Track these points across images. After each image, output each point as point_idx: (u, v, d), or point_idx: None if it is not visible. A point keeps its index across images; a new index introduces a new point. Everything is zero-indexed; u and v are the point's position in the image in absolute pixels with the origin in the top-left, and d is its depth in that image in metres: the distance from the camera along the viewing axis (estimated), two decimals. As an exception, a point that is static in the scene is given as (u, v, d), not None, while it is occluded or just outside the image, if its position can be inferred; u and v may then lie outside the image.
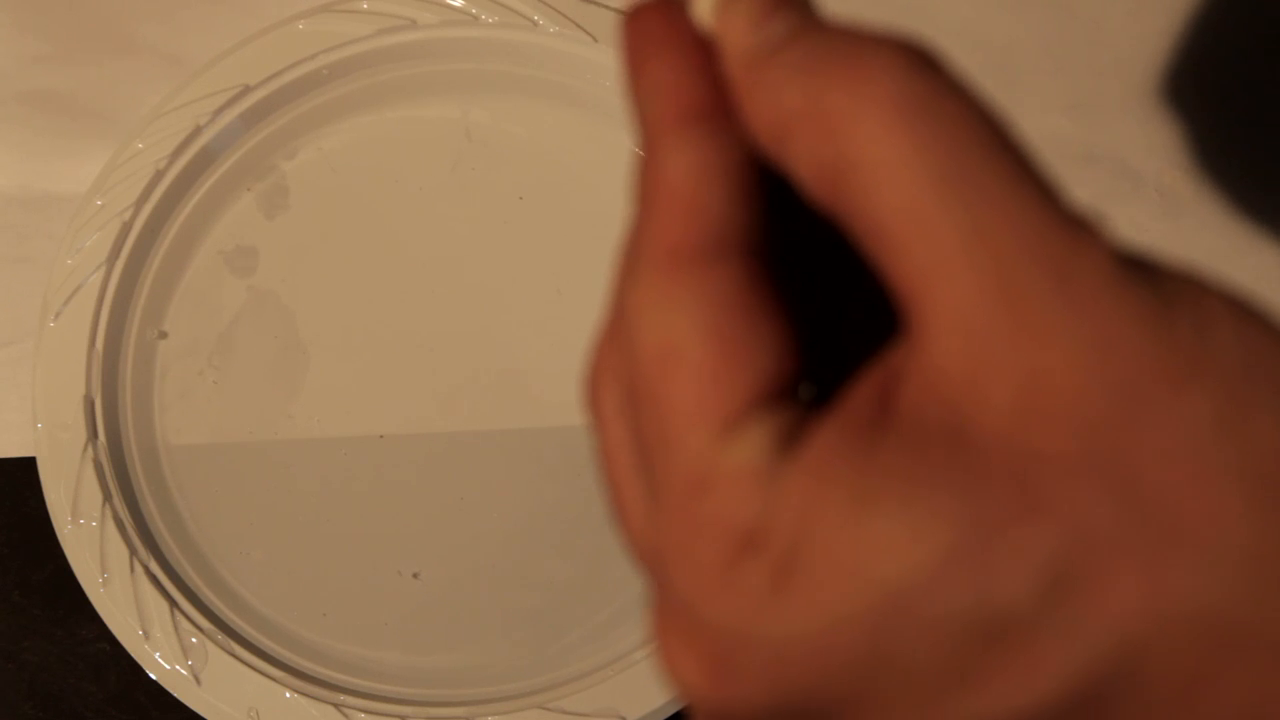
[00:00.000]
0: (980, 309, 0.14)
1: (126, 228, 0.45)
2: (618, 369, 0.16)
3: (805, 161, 0.15)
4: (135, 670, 0.42)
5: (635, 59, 0.17)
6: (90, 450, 0.43)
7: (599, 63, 0.46)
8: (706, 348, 0.15)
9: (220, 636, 0.42)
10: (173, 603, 0.42)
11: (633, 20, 0.17)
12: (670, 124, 0.16)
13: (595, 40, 0.45)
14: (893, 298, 0.15)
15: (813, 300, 0.17)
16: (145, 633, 0.41)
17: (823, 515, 0.14)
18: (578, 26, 0.46)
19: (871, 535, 0.13)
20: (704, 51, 0.17)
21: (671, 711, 0.40)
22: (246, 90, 0.45)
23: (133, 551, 0.42)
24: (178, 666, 0.41)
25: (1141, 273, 0.14)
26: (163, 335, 0.46)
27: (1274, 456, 0.13)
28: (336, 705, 0.41)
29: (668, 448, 0.15)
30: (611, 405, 0.16)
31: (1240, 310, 0.14)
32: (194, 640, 0.41)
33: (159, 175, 0.45)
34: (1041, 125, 0.49)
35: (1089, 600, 0.13)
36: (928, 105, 0.14)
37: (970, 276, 0.14)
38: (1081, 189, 0.48)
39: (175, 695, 0.41)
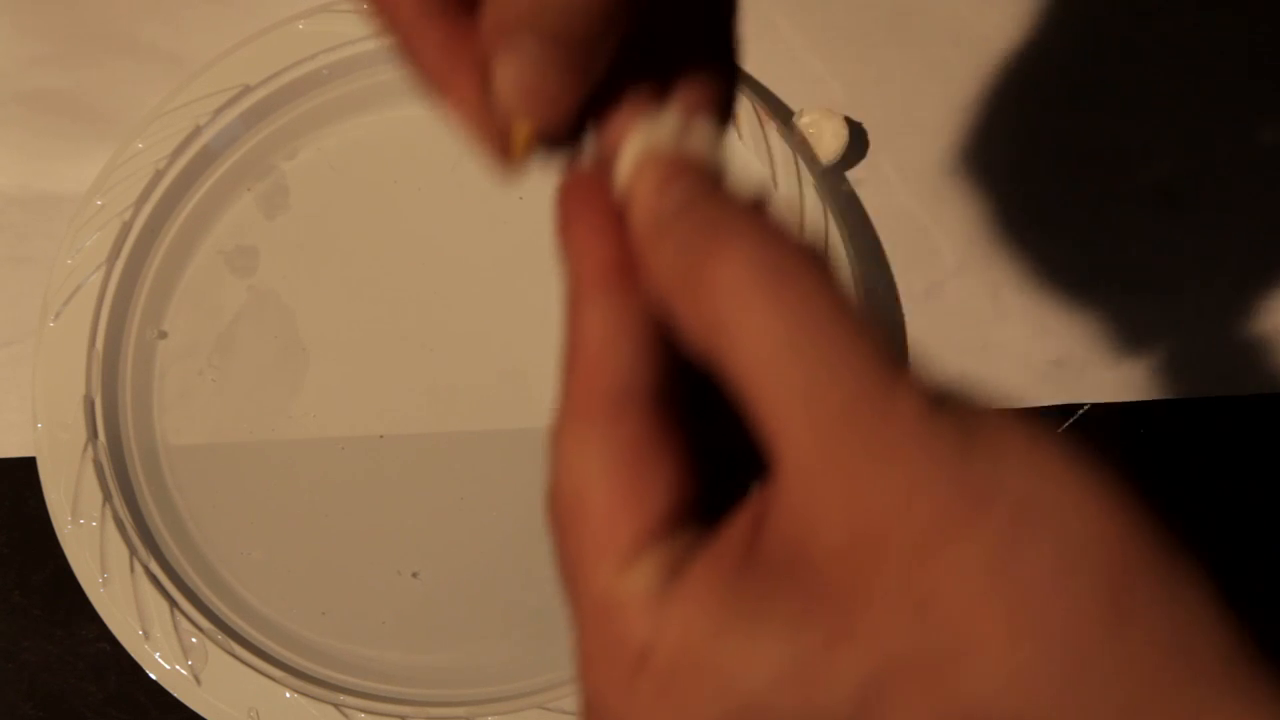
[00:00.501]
0: (815, 460, 0.16)
1: (126, 228, 0.45)
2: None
3: (686, 321, 0.18)
4: (135, 670, 0.42)
5: (563, 222, 0.20)
6: (90, 450, 0.43)
7: (599, 63, 0.46)
8: (607, 493, 0.18)
9: (220, 636, 0.42)
10: (173, 603, 0.42)
11: (564, 188, 0.20)
12: (587, 285, 0.19)
13: (595, 40, 0.45)
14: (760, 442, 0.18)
15: (718, 429, 0.19)
16: (145, 633, 0.41)
17: (694, 639, 0.17)
18: (578, 26, 0.46)
19: (727, 657, 0.17)
20: (621, 219, 0.19)
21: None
22: (246, 90, 0.45)
23: (133, 551, 0.42)
24: (178, 666, 0.41)
25: (948, 415, 0.16)
26: (163, 335, 0.46)
27: (1037, 588, 0.15)
28: (336, 705, 0.41)
29: (579, 575, 0.18)
30: (554, 524, 0.20)
31: (1032, 447, 0.16)
32: (194, 640, 0.41)
33: (159, 175, 0.45)
34: (1041, 125, 0.49)
35: (892, 713, 0.16)
36: (779, 279, 0.17)
37: (807, 431, 0.16)
38: (1081, 188, 0.48)
39: (175, 695, 0.41)
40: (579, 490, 0.19)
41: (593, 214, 0.20)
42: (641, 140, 0.20)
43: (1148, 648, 0.15)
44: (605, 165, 0.20)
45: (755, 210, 0.18)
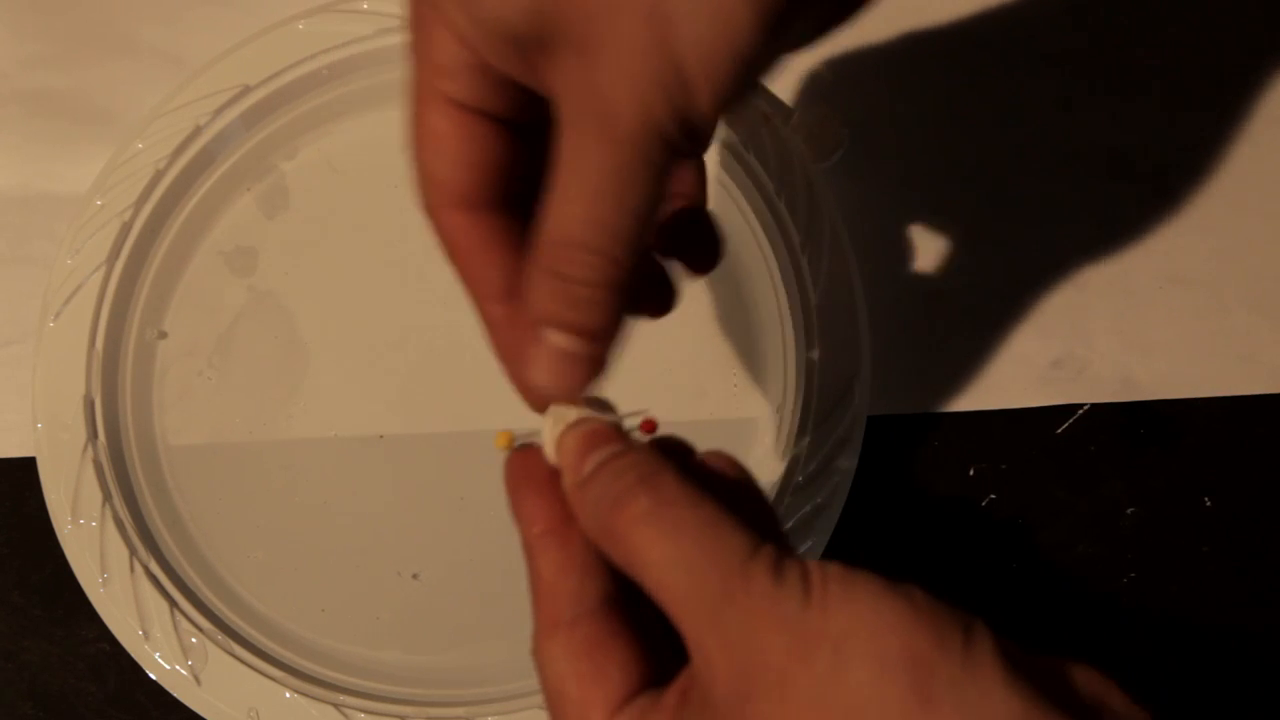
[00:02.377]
0: (704, 645, 0.22)
1: (126, 228, 0.45)
2: None
3: (609, 555, 0.24)
4: (135, 670, 0.42)
5: (510, 493, 0.27)
6: (90, 450, 0.43)
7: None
8: (576, 685, 0.24)
9: (220, 636, 0.42)
10: (173, 603, 0.42)
11: (508, 464, 0.27)
12: (533, 537, 0.26)
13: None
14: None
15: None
16: (145, 633, 0.41)
17: None
18: (578, 26, 0.45)
19: None
20: (554, 480, 0.26)
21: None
22: (246, 90, 0.45)
23: (133, 551, 0.42)
24: (178, 666, 0.41)
25: (789, 580, 0.22)
26: (163, 335, 0.46)
27: (858, 698, 0.21)
28: (336, 705, 0.41)
29: None
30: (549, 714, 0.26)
31: (848, 595, 0.22)
32: (194, 640, 0.41)
33: (159, 175, 0.45)
34: (1041, 124, 0.49)
35: None
36: (661, 523, 0.23)
37: (697, 619, 0.22)
38: (1080, 188, 0.48)
39: (175, 695, 0.41)
40: (557, 687, 0.25)
41: (531, 486, 0.26)
42: (553, 419, 0.27)
43: (954, 714, 0.21)
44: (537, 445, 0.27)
45: (650, 460, 0.24)
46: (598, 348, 0.26)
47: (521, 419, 0.48)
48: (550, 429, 0.27)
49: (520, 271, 0.27)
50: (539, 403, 0.27)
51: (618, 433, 0.26)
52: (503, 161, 0.27)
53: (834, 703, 0.21)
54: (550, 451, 0.27)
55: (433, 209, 0.28)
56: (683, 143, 0.24)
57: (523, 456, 0.27)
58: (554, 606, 0.25)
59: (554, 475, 0.26)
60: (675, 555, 0.23)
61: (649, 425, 0.28)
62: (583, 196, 0.24)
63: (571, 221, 0.25)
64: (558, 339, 0.26)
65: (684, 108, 0.23)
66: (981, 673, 0.21)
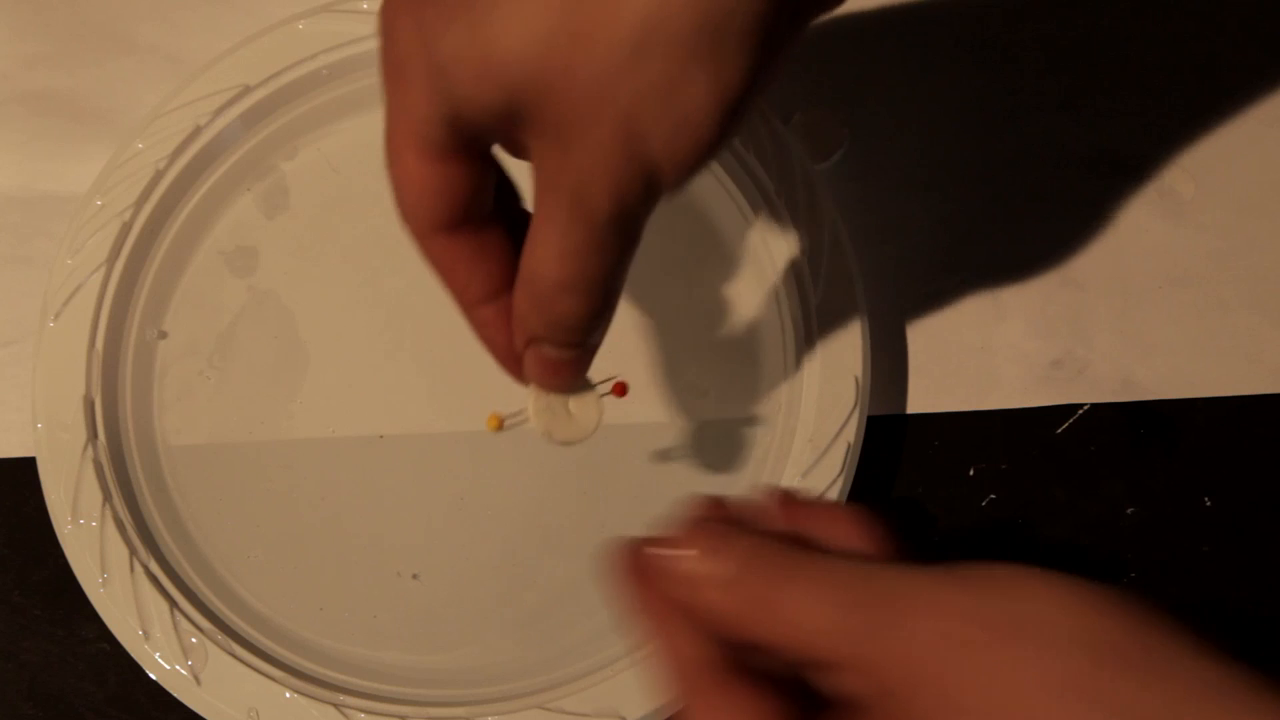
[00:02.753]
0: (861, 656, 0.23)
1: (126, 228, 0.45)
2: None
3: (756, 632, 0.24)
4: (135, 670, 0.42)
5: (631, 601, 0.27)
6: (90, 450, 0.43)
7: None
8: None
9: (220, 636, 0.42)
10: (173, 603, 0.42)
11: (625, 575, 0.27)
12: (670, 664, 0.26)
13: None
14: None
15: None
16: (145, 633, 0.41)
17: None
18: (578, 26, 0.45)
19: None
20: (655, 578, 0.26)
21: (671, 712, 0.40)
22: (246, 90, 0.45)
23: (133, 551, 0.42)
24: (178, 666, 0.41)
25: (956, 579, 0.23)
26: (163, 335, 0.46)
27: (1029, 677, 0.21)
28: (336, 705, 0.41)
29: None
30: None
31: (1016, 581, 0.22)
32: (194, 640, 0.41)
33: (159, 175, 0.45)
34: (1042, 124, 0.49)
35: None
36: (818, 592, 0.24)
37: (851, 646, 0.23)
38: (1080, 188, 0.48)
39: (175, 695, 0.41)
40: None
41: (641, 584, 0.26)
42: (534, 393, 0.31)
43: (1140, 690, 0.21)
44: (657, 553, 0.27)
45: (780, 554, 0.25)
46: (586, 353, 0.29)
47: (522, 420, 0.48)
48: (534, 399, 0.32)
49: (500, 273, 0.30)
50: (525, 383, 0.31)
51: (733, 523, 0.27)
52: (475, 188, 0.29)
53: (1002, 686, 0.21)
54: (532, 417, 0.31)
55: (413, 235, 0.29)
56: (651, 209, 0.27)
57: (637, 564, 0.27)
58: (685, 684, 0.26)
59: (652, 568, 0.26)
60: (818, 600, 0.24)
61: (620, 388, 0.31)
62: (560, 255, 0.27)
63: (552, 270, 0.27)
64: (547, 350, 0.29)
65: (654, 188, 0.26)
66: (1167, 649, 0.21)
